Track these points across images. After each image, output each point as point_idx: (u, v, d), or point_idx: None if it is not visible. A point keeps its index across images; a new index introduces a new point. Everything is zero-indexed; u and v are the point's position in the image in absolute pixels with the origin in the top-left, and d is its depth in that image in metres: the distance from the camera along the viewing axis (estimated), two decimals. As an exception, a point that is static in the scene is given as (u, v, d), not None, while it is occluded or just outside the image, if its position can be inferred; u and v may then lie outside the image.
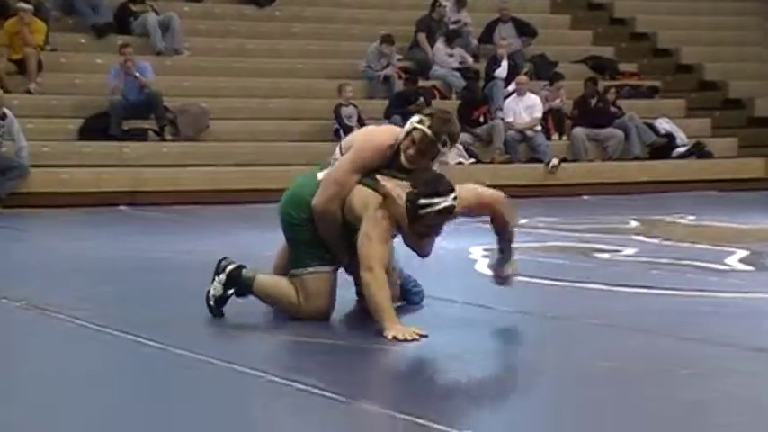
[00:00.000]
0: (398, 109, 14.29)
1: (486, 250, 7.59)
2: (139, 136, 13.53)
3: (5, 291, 6.36)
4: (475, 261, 7.72)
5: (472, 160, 14.58)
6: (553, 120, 15.40)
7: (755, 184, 15.29)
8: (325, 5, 16.71)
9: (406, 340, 5.09)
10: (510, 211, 5.73)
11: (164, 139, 13.56)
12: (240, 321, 5.61)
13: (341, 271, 5.67)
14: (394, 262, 5.72)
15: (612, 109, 15.65)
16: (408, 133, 5.47)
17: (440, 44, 16.00)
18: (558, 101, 15.54)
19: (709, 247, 8.78)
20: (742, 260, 7.92)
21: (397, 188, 5.32)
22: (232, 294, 5.60)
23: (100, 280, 7.11)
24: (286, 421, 4.04)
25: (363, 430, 3.98)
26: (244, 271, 5.60)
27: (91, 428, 3.90)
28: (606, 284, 6.74)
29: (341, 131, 14.20)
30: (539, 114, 15.08)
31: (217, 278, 5.60)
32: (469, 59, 16.16)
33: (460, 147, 14.54)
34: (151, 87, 13.47)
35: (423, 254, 5.54)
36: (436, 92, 15.54)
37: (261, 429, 3.99)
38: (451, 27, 16.37)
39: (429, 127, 5.43)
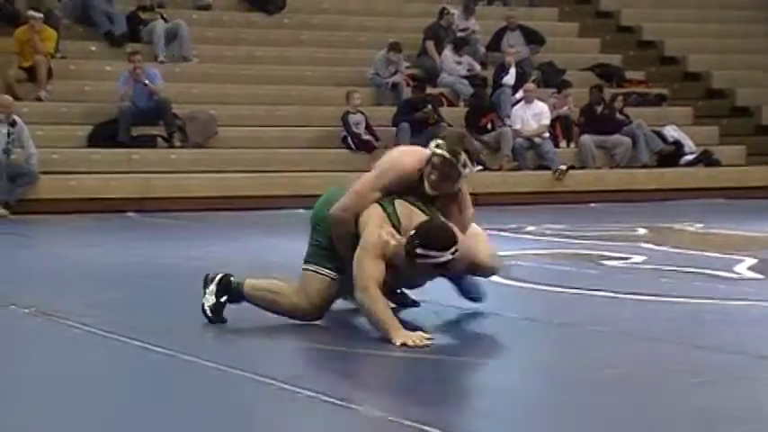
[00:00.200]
0: (406, 116, 14.31)
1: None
2: (148, 143, 13.57)
3: (14, 297, 6.38)
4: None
5: (480, 167, 14.58)
6: (561, 127, 15.42)
7: (763, 192, 15.25)
8: (334, 13, 16.75)
9: (416, 346, 5.10)
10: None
11: (172, 146, 13.59)
12: (247, 328, 5.62)
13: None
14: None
15: (619, 116, 15.66)
16: (429, 160, 5.49)
17: (448, 52, 16.02)
18: (565, 108, 15.55)
19: (718, 255, 8.77)
20: (750, 268, 7.91)
21: (395, 238, 5.29)
22: (226, 301, 5.64)
23: (108, 286, 7.12)
24: (293, 427, 4.05)
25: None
26: (232, 279, 5.66)
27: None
28: (614, 292, 6.74)
29: (349, 138, 14.24)
30: (546, 122, 15.09)
31: (207, 290, 5.66)
32: (477, 67, 16.18)
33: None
34: (160, 94, 13.51)
35: (414, 285, 5.56)
36: (444, 99, 15.55)
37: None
38: (459, 35, 16.39)
39: (446, 149, 5.45)
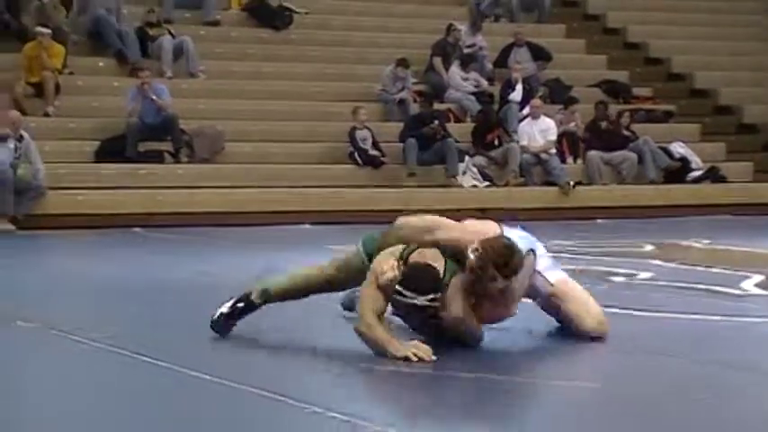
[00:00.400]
0: (413, 132, 14.33)
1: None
2: (155, 158, 13.60)
3: (21, 313, 6.37)
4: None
5: (487, 183, 14.60)
6: (568, 143, 15.43)
7: (770, 208, 15.25)
8: (341, 29, 16.79)
9: (421, 360, 5.05)
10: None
11: (179, 161, 13.62)
12: (255, 343, 5.61)
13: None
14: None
15: (626, 133, 15.66)
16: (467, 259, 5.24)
17: (455, 68, 16.05)
18: (572, 124, 15.57)
19: (725, 271, 8.76)
20: (758, 285, 7.90)
21: (394, 270, 5.19)
22: (240, 310, 5.59)
23: (115, 302, 7.13)
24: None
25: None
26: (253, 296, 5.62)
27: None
28: (621, 308, 6.73)
29: (355, 154, 14.25)
30: (553, 137, 15.10)
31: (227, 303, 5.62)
32: (484, 83, 16.21)
33: (475, 170, 14.59)
34: (168, 110, 13.54)
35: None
36: (451, 115, 15.59)
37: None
38: (466, 51, 16.42)
39: (477, 258, 5.16)
